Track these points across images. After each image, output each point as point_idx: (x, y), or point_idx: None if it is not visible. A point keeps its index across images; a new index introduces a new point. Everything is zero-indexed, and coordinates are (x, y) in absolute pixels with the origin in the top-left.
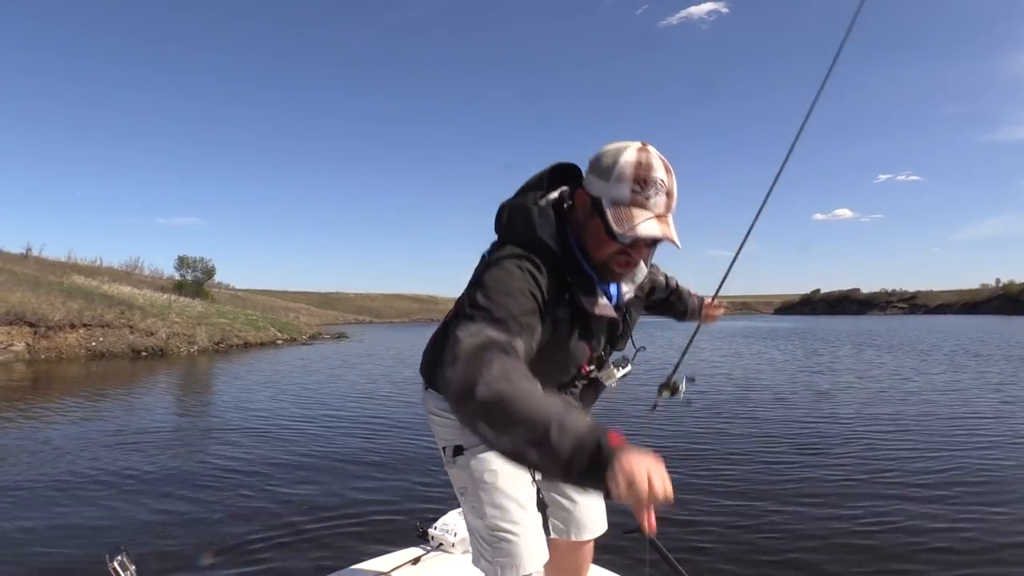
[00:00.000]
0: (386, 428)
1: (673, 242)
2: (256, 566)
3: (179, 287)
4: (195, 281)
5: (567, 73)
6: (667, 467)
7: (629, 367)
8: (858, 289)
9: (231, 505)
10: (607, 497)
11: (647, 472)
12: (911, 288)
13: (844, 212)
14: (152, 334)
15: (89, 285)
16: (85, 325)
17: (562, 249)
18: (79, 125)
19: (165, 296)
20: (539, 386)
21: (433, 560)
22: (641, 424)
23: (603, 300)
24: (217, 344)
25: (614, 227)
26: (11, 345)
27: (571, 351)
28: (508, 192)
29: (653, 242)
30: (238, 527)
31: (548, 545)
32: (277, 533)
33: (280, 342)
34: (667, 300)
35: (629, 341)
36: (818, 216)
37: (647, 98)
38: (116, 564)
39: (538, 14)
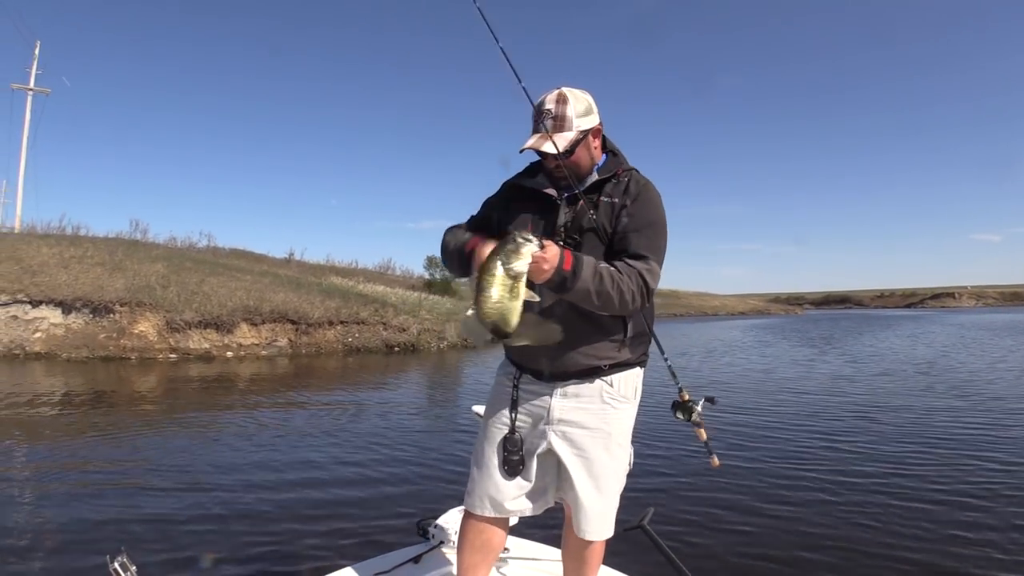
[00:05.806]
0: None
1: (535, 150)
2: (257, 564)
3: (429, 286)
4: (444, 279)
5: (791, 58)
6: None
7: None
8: None
9: (230, 503)
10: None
11: (481, 254)
12: None
13: None
14: (404, 330)
15: (345, 285)
16: (342, 322)
17: (532, 170)
18: (334, 141)
19: (416, 294)
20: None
21: (434, 558)
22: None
23: (542, 181)
24: (465, 340)
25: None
26: (275, 341)
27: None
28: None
29: (537, 152)
30: (238, 525)
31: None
32: (277, 532)
33: None
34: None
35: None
36: None
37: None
38: (117, 565)
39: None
